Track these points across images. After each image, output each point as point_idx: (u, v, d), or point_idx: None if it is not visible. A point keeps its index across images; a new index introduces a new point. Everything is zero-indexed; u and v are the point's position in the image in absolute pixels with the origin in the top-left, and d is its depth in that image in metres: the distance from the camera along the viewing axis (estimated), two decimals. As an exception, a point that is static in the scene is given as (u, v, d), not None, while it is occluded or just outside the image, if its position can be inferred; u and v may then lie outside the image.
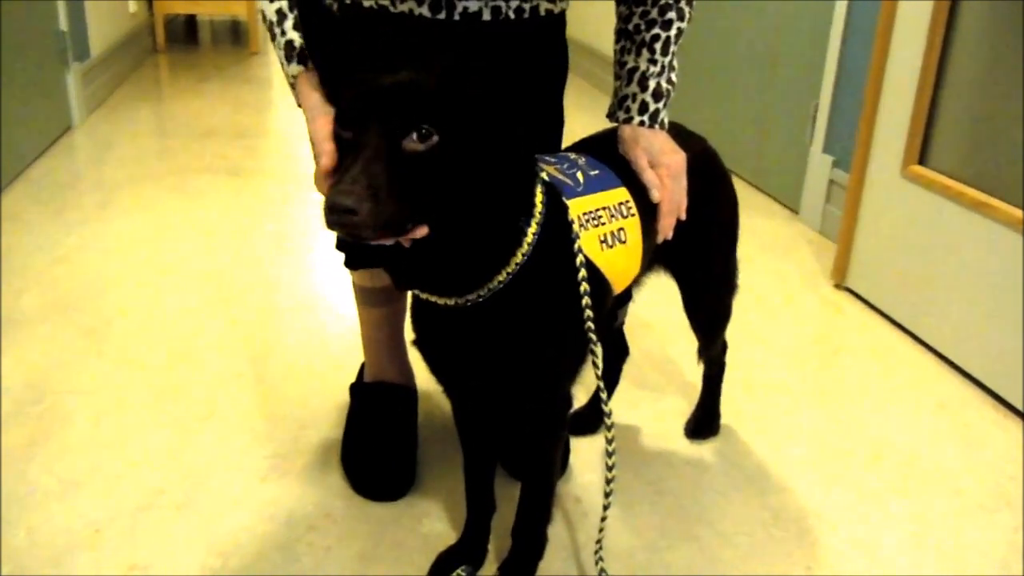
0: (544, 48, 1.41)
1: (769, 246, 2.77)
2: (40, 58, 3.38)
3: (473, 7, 1.29)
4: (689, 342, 1.66)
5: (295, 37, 1.14)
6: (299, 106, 1.17)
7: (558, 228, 1.13)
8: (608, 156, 1.30)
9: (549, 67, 1.44)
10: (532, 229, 1.10)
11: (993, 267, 1.95)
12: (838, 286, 2.49)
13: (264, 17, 1.18)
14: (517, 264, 1.09)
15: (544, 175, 1.15)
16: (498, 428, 1.38)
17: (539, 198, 1.11)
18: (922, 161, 2.19)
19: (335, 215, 0.90)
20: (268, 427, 1.74)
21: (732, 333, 1.70)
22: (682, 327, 1.62)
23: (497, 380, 1.20)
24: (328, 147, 1.01)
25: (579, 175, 1.22)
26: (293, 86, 1.17)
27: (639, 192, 1.28)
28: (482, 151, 1.01)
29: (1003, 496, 1.63)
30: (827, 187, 2.86)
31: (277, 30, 1.16)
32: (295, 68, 1.15)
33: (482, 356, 1.16)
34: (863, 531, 1.52)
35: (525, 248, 1.09)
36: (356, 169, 0.92)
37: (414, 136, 0.95)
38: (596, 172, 1.25)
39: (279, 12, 1.16)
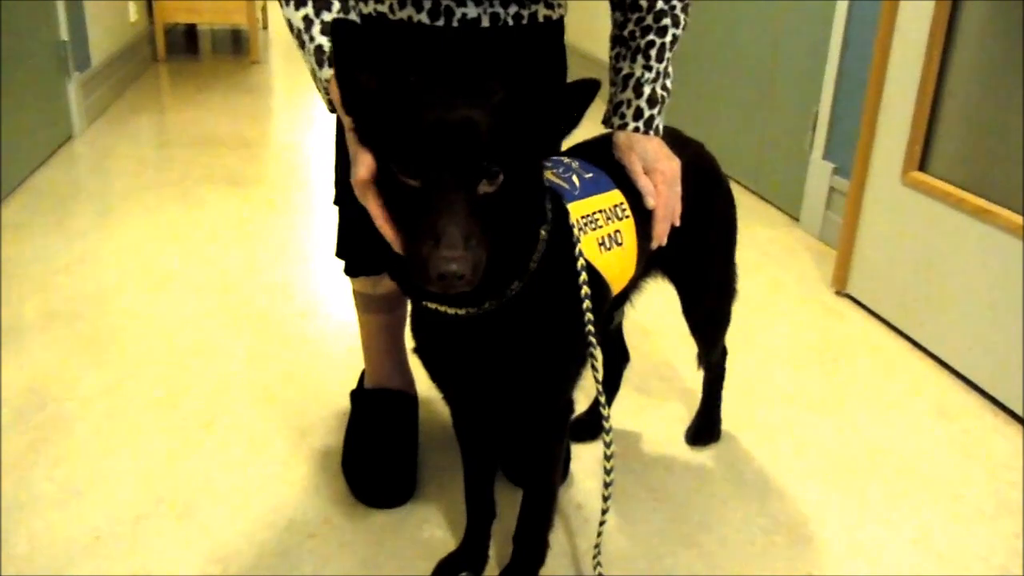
0: (542, 54, 1.42)
1: (769, 253, 2.77)
2: (41, 68, 3.39)
3: (472, 14, 1.30)
4: (690, 348, 1.66)
5: (324, 42, 1.12)
6: (331, 111, 1.15)
7: (562, 233, 1.14)
8: (602, 161, 1.31)
9: (547, 73, 1.44)
10: (543, 236, 1.10)
11: (994, 273, 1.95)
12: (839, 293, 2.49)
13: (291, 26, 1.16)
14: (531, 271, 1.09)
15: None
16: (498, 434, 1.38)
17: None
18: (922, 167, 2.19)
19: (445, 282, 0.90)
20: (268, 434, 1.74)
21: (732, 339, 1.70)
22: (682, 333, 1.63)
23: (501, 387, 1.20)
24: (374, 205, 1.01)
25: (574, 179, 1.22)
26: (326, 90, 1.14)
27: (634, 197, 1.28)
28: (533, 174, 1.03)
29: (1003, 502, 1.63)
30: (827, 194, 2.86)
31: (306, 36, 1.14)
32: (328, 72, 1.12)
33: (487, 364, 1.16)
34: (864, 537, 1.52)
35: (538, 255, 1.09)
36: (453, 232, 0.91)
37: (486, 180, 0.95)
38: (590, 175, 1.25)
39: (306, 19, 1.13)
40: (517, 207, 1.02)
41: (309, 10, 1.13)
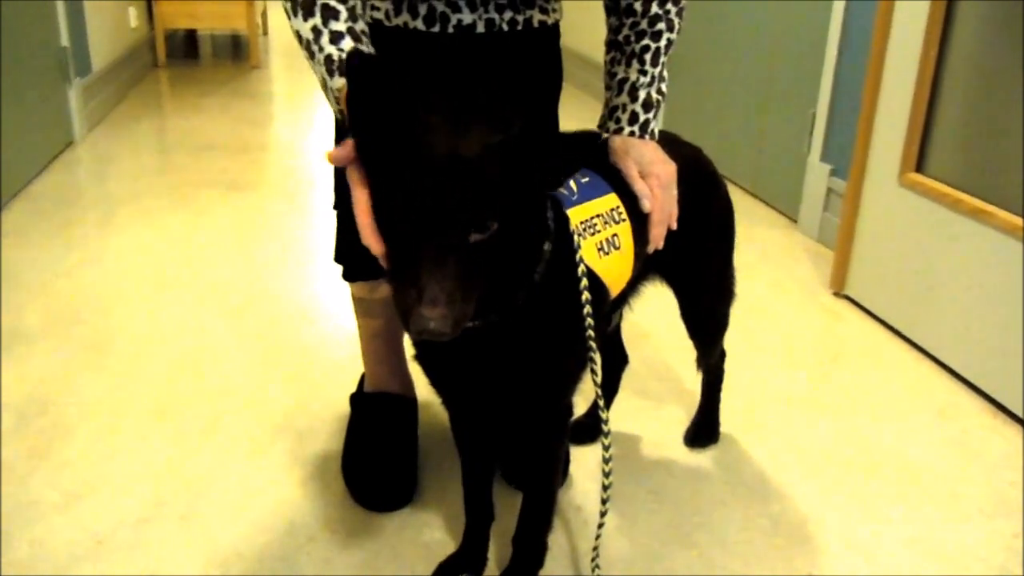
0: (538, 59, 1.42)
1: (768, 255, 2.78)
2: (42, 74, 3.40)
3: (467, 20, 1.31)
4: (688, 351, 1.67)
5: (334, 51, 1.11)
6: (341, 121, 1.13)
7: (563, 240, 1.14)
8: (598, 165, 1.31)
9: (543, 78, 1.45)
10: (546, 249, 1.11)
11: (992, 274, 1.96)
12: (837, 294, 2.50)
13: (300, 37, 1.15)
14: (535, 282, 1.10)
15: None
16: (497, 438, 1.38)
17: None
18: (920, 169, 2.20)
19: (425, 336, 0.90)
20: (269, 438, 1.75)
21: (731, 341, 1.71)
22: (681, 336, 1.63)
23: (502, 392, 1.20)
24: (372, 238, 0.99)
25: (572, 184, 1.22)
26: (337, 100, 1.13)
27: (630, 200, 1.29)
28: (532, 214, 1.03)
29: (1003, 502, 1.64)
30: (825, 195, 2.87)
31: (315, 47, 1.12)
32: (339, 81, 1.11)
33: (489, 371, 1.17)
34: (863, 538, 1.53)
35: (542, 266, 1.10)
36: (434, 289, 0.89)
37: (477, 231, 0.93)
38: (587, 179, 1.25)
39: (315, 29, 1.12)
40: (516, 246, 1.01)
41: (317, 21, 1.12)
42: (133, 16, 4.87)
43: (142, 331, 2.16)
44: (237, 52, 6.14)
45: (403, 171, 0.93)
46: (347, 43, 1.11)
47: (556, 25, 1.43)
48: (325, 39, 1.12)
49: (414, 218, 0.92)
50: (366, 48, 1.13)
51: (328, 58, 1.11)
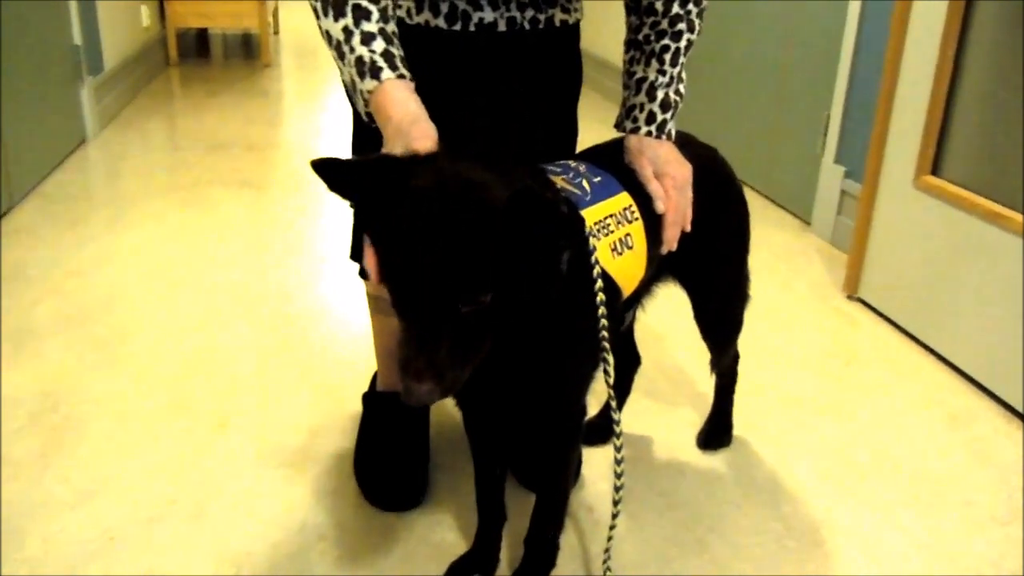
0: (558, 58, 1.42)
1: (781, 257, 2.77)
2: (54, 72, 3.41)
3: (488, 18, 1.30)
4: (701, 353, 1.66)
5: (365, 53, 1.10)
6: (368, 123, 1.12)
7: (578, 244, 1.13)
8: (612, 165, 1.30)
9: (563, 77, 1.44)
10: (564, 260, 1.09)
11: (1006, 278, 1.95)
12: (850, 297, 2.48)
13: (329, 38, 1.13)
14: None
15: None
16: (510, 439, 1.38)
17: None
18: (935, 171, 2.19)
19: (415, 403, 0.92)
20: (281, 437, 1.74)
21: (744, 344, 1.70)
22: (694, 338, 1.62)
23: (517, 395, 1.20)
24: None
25: (584, 184, 1.22)
26: (366, 102, 1.11)
27: (644, 201, 1.28)
28: (541, 278, 1.00)
29: (1014, 507, 1.62)
30: (839, 198, 2.86)
31: (345, 48, 1.11)
32: (370, 83, 1.09)
33: (504, 374, 1.16)
34: (875, 542, 1.52)
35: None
36: (419, 365, 0.91)
37: (466, 304, 0.92)
38: (599, 179, 1.25)
39: (345, 30, 1.11)
40: (528, 308, 0.99)
41: (349, 21, 1.11)
42: (145, 15, 4.88)
43: (153, 329, 2.16)
44: (248, 51, 6.15)
45: (389, 246, 0.94)
46: (379, 44, 1.10)
47: (577, 25, 1.43)
48: (356, 40, 1.10)
49: (401, 292, 0.93)
50: (397, 51, 1.12)
51: (359, 60, 1.10)
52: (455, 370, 0.93)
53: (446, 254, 0.90)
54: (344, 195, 0.99)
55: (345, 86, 1.19)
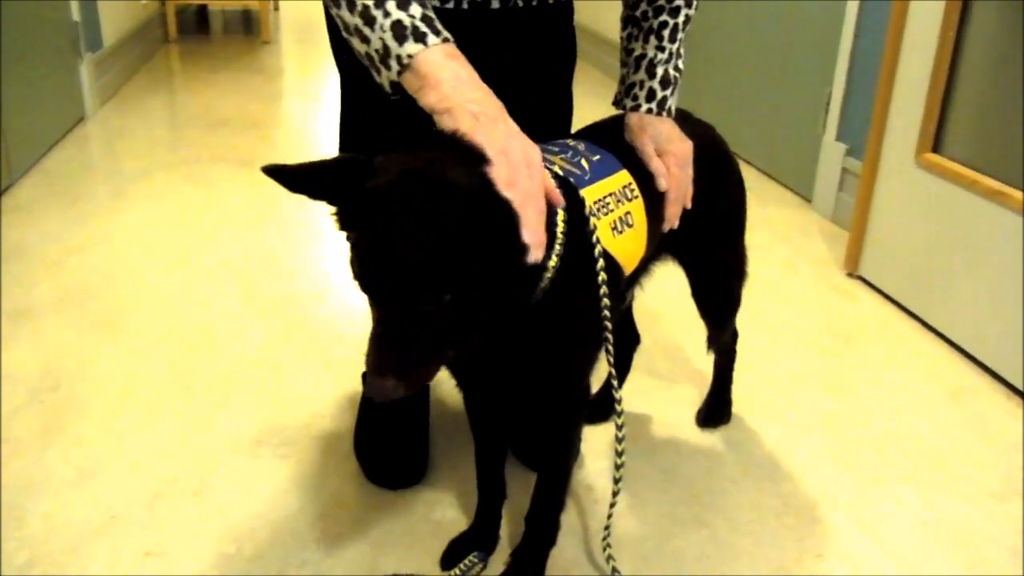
0: (552, 35, 1.41)
1: (782, 234, 2.76)
2: (53, 49, 3.40)
3: (482, -5, 1.29)
4: (700, 330, 1.66)
5: (404, 16, 1.01)
6: (393, 96, 1.06)
7: (578, 223, 1.12)
8: (611, 143, 1.29)
9: (556, 55, 1.43)
10: (560, 228, 1.08)
11: (1007, 255, 1.94)
12: (851, 274, 2.48)
13: (352, 4, 1.04)
14: (555, 268, 1.07)
15: (558, 169, 1.15)
16: (510, 417, 1.38)
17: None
18: (936, 149, 2.18)
19: (379, 399, 0.93)
20: (281, 415, 1.75)
21: (744, 321, 1.70)
22: (693, 316, 1.62)
23: (521, 376, 1.20)
24: None
25: (583, 162, 1.21)
26: (401, 68, 1.02)
27: (644, 179, 1.27)
28: (509, 278, 0.99)
29: (1014, 484, 1.63)
30: (840, 175, 2.85)
31: (376, 12, 1.02)
32: (411, 47, 1.01)
33: (507, 355, 1.16)
34: (874, 518, 1.53)
35: (559, 250, 1.08)
36: (380, 362, 0.92)
37: (426, 304, 0.92)
38: (598, 157, 1.24)
39: None
40: (499, 304, 0.99)
41: None
42: (144, -9, 4.85)
43: (154, 307, 2.17)
44: (248, 27, 6.12)
45: (353, 247, 0.95)
46: (416, 8, 1.02)
47: (570, 2, 1.42)
48: (392, 4, 1.02)
49: (366, 291, 0.95)
50: (430, 14, 1.04)
51: (398, 23, 1.02)
52: (419, 367, 0.94)
53: (402, 256, 0.90)
54: (309, 196, 1.00)
55: (362, 58, 1.08)
